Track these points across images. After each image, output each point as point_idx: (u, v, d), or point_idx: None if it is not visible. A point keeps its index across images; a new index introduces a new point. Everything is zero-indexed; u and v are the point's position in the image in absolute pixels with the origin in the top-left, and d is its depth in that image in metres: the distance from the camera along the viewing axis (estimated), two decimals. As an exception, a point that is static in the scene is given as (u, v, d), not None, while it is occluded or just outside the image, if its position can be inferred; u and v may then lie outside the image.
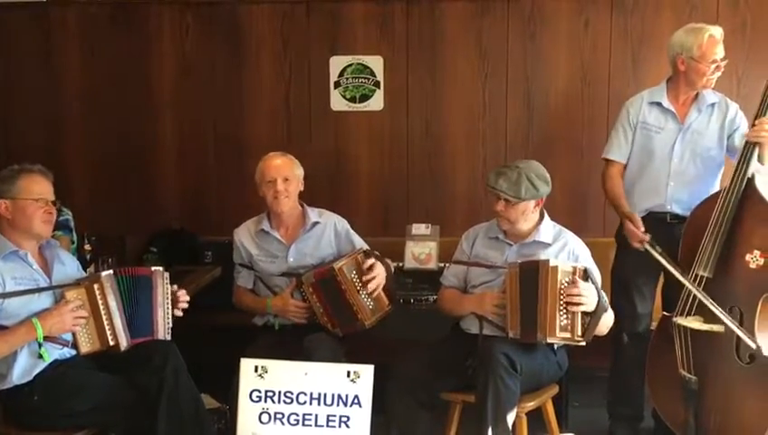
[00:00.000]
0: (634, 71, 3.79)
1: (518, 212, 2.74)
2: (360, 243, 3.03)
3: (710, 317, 2.64)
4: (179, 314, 2.64)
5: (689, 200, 2.91)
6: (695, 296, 2.67)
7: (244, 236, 3.03)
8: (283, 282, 2.95)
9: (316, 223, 3.00)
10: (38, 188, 2.51)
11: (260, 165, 2.99)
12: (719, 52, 2.89)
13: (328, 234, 3.01)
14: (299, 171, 2.99)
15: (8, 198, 2.48)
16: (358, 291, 2.83)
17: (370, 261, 2.87)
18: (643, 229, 2.90)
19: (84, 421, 2.42)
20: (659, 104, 3.00)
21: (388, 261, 2.99)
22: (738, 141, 2.88)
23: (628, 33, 3.79)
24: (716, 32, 2.89)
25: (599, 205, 3.70)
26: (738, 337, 2.57)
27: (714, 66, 2.88)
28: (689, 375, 2.68)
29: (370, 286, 2.84)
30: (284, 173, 2.93)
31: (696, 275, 2.67)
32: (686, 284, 2.69)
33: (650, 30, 3.75)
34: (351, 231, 3.06)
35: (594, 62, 3.83)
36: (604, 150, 3.12)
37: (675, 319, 2.70)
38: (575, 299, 2.56)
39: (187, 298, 2.67)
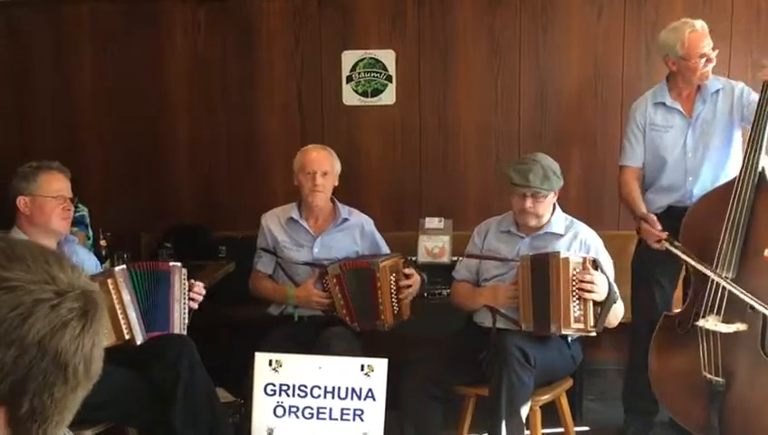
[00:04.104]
0: (648, 61, 3.76)
1: (547, 205, 2.74)
2: (384, 245, 3.08)
3: (731, 316, 2.59)
4: (194, 306, 2.66)
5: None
6: (718, 296, 2.61)
7: (272, 222, 3.06)
8: (304, 271, 2.98)
9: (346, 219, 3.04)
10: (57, 185, 2.54)
11: (300, 155, 3.01)
12: (705, 45, 2.85)
13: (355, 232, 3.05)
14: (337, 167, 3.02)
15: (27, 194, 2.51)
16: (391, 293, 2.85)
17: (410, 270, 2.92)
18: (660, 228, 2.86)
19: (101, 415, 2.43)
20: (663, 104, 3.00)
21: (424, 275, 3.03)
22: (754, 107, 2.80)
23: (641, 22, 3.76)
24: (698, 25, 2.86)
25: (613, 198, 3.67)
26: (763, 334, 2.53)
27: (703, 60, 2.85)
28: (716, 378, 2.61)
29: (404, 293, 2.88)
30: (324, 167, 2.95)
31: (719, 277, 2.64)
32: (715, 278, 2.61)
33: (664, 19, 3.69)
34: (377, 233, 3.10)
35: (607, 52, 3.80)
36: (620, 158, 3.12)
37: (699, 323, 2.63)
38: (587, 287, 2.56)
39: (203, 291, 2.69)
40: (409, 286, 2.89)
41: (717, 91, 2.96)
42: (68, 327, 0.79)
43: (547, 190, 2.70)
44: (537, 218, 2.76)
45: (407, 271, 2.91)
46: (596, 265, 2.62)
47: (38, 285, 0.79)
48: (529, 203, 2.71)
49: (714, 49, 2.87)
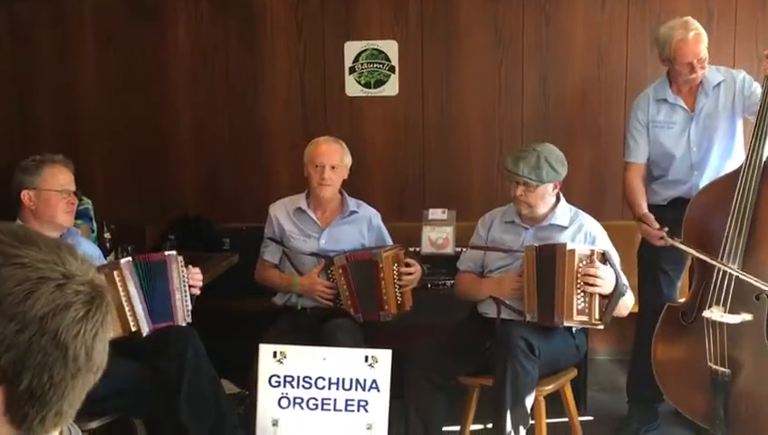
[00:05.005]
0: (652, 50, 3.72)
1: (538, 196, 2.73)
2: (389, 239, 3.09)
3: (735, 306, 2.57)
4: (196, 292, 2.66)
5: None
6: (724, 286, 2.59)
7: (279, 212, 3.06)
8: (310, 261, 2.99)
9: (354, 212, 3.05)
10: (61, 178, 2.54)
11: (311, 147, 3.01)
12: (692, 54, 2.82)
13: (362, 225, 3.06)
14: (347, 160, 3.02)
15: (32, 188, 2.50)
16: (394, 283, 2.87)
17: (411, 260, 2.95)
18: (657, 226, 2.87)
19: (107, 406, 2.43)
20: (666, 100, 2.98)
21: (424, 267, 3.04)
22: (756, 97, 2.80)
23: (645, 11, 3.74)
24: (691, 34, 2.81)
25: (617, 187, 3.66)
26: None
27: (688, 69, 2.84)
28: (722, 368, 2.60)
29: (406, 280, 2.89)
30: (333, 161, 2.95)
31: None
32: (720, 266, 2.59)
33: (668, 9, 3.68)
34: (384, 227, 3.11)
35: (611, 43, 3.78)
36: (624, 154, 3.12)
37: (705, 314, 2.61)
38: (591, 280, 2.55)
39: (200, 276, 2.68)
40: (410, 275, 2.90)
41: (719, 83, 2.94)
42: (70, 309, 0.79)
43: (534, 181, 2.68)
44: (529, 208, 2.75)
45: (408, 261, 2.93)
46: (605, 258, 2.60)
47: (47, 264, 0.79)
48: (519, 191, 2.72)
49: (703, 59, 2.83)
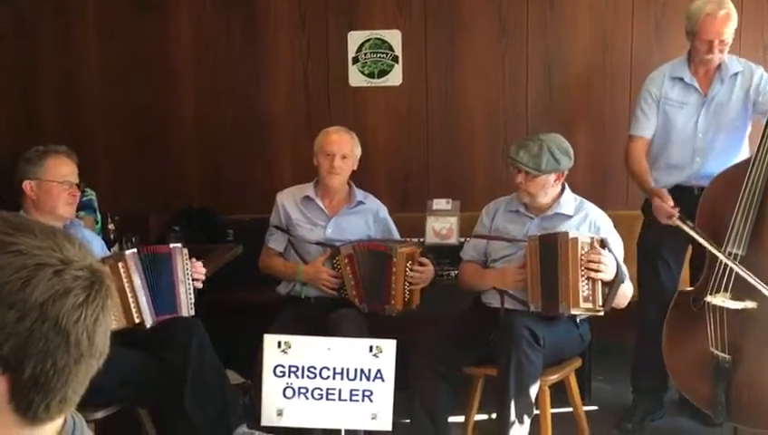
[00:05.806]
0: (657, 39, 3.71)
1: (538, 185, 2.71)
2: (396, 233, 3.09)
3: (740, 293, 2.57)
4: (199, 285, 2.66)
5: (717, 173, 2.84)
6: (726, 273, 2.59)
7: (287, 200, 3.07)
8: (315, 250, 2.99)
9: (361, 202, 3.05)
10: (64, 169, 2.54)
11: (322, 136, 3.02)
12: (715, 33, 2.78)
13: (368, 216, 3.06)
14: (358, 150, 3.03)
15: (34, 179, 2.51)
16: (405, 280, 2.87)
17: (426, 260, 2.93)
18: (672, 203, 2.82)
19: (112, 397, 2.45)
20: (681, 79, 2.95)
21: (437, 268, 3.03)
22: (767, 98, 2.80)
23: None
24: (721, 12, 2.77)
25: (621, 177, 3.65)
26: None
27: (706, 46, 2.81)
28: (723, 354, 2.60)
29: (417, 278, 2.87)
30: (344, 150, 2.95)
31: (729, 253, 2.60)
32: (721, 257, 2.59)
33: (673, -5, 3.66)
34: (390, 220, 3.11)
35: (616, 30, 3.76)
36: (630, 127, 3.07)
37: (707, 298, 2.61)
38: (595, 266, 2.54)
39: (203, 270, 2.69)
40: (421, 274, 2.88)
41: (736, 73, 2.91)
42: (70, 295, 0.79)
43: (532, 169, 2.67)
44: (529, 197, 2.75)
45: (422, 260, 2.92)
46: (604, 244, 2.61)
47: (44, 250, 0.79)
48: (520, 178, 2.72)
49: (725, 42, 2.80)
